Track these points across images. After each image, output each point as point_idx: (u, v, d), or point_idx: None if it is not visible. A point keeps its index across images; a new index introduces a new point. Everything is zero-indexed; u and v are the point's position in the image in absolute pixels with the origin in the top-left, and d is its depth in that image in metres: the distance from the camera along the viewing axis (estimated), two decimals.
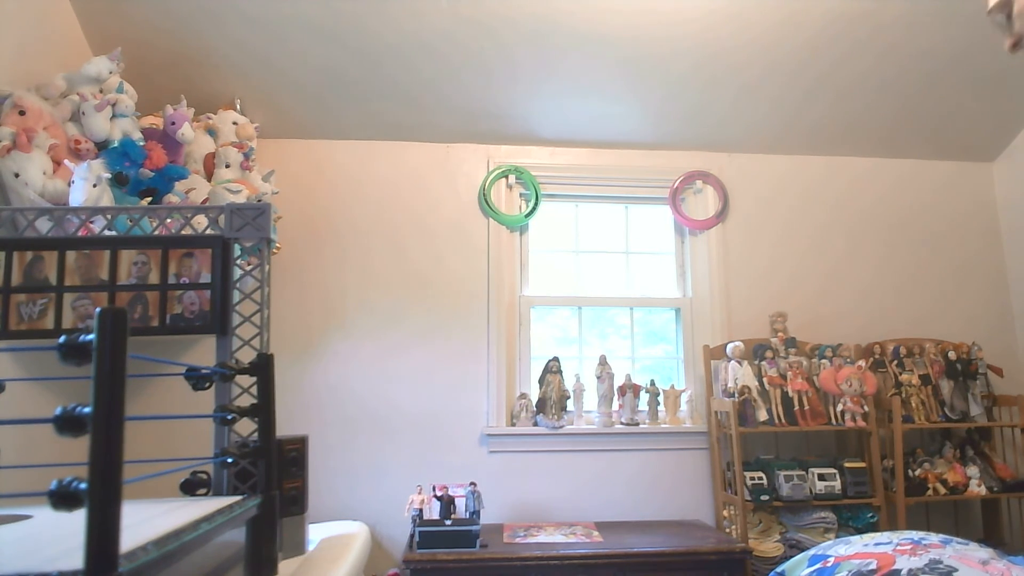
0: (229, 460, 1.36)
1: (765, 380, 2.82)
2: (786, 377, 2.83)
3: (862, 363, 2.83)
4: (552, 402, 2.85)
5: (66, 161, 1.96)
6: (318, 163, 2.99)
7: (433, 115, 2.92)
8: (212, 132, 2.55)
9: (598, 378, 2.91)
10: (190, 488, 1.40)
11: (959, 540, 1.82)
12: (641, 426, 2.91)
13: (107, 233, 1.62)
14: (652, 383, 2.97)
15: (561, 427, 2.84)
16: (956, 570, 1.60)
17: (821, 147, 3.23)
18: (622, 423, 2.91)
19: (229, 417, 1.35)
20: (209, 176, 2.49)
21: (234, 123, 2.60)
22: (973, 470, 2.80)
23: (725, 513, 2.77)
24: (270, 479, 1.38)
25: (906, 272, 3.23)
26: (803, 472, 2.69)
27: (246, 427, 1.40)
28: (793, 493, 2.63)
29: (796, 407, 2.78)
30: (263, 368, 1.38)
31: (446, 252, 2.99)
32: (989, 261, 3.30)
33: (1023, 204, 3.23)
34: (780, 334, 2.96)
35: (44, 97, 2.05)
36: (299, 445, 1.89)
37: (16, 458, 1.81)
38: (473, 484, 2.41)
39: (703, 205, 3.14)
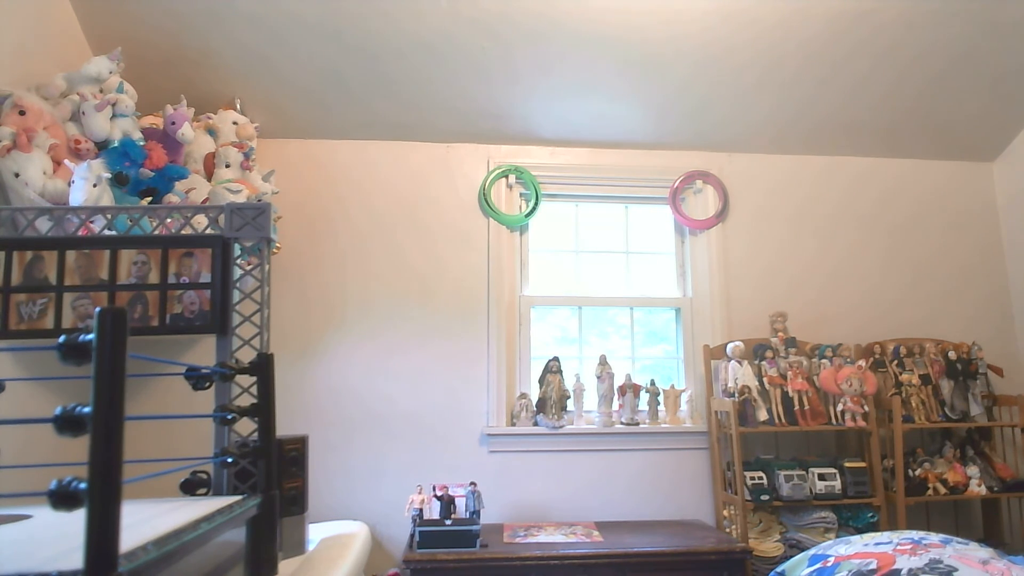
0: (229, 460, 1.36)
1: (765, 380, 2.82)
2: (786, 377, 2.83)
3: (862, 363, 2.83)
4: (552, 402, 2.85)
5: (66, 161, 1.96)
6: (318, 163, 2.99)
7: (433, 115, 2.92)
8: (212, 132, 2.55)
9: (598, 378, 2.91)
10: (190, 488, 1.40)
11: (959, 540, 1.82)
12: (641, 426, 2.91)
13: (107, 233, 1.62)
14: (652, 383, 2.97)
15: (561, 427, 2.84)
16: (956, 570, 1.60)
17: (821, 147, 3.23)
18: (622, 423, 2.91)
19: (229, 417, 1.35)
20: (209, 176, 2.49)
21: (234, 123, 2.60)
22: (973, 470, 2.80)
23: (725, 513, 2.77)
24: (270, 479, 1.38)
25: (906, 272, 3.23)
26: (803, 472, 2.69)
27: (246, 427, 1.40)
28: (793, 493, 2.63)
29: (796, 407, 2.78)
30: (263, 368, 1.38)
31: (446, 252, 2.98)
32: (989, 261, 3.30)
33: (1023, 204, 3.23)
34: (780, 334, 2.96)
35: (44, 97, 2.05)
36: (299, 445, 1.89)
37: (16, 458, 1.81)
38: (473, 484, 2.41)
39: (703, 205, 3.14)
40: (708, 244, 3.12)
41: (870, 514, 2.67)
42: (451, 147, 3.07)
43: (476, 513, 2.35)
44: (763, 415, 2.73)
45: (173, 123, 2.29)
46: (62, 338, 0.78)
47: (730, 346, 2.86)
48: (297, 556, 1.81)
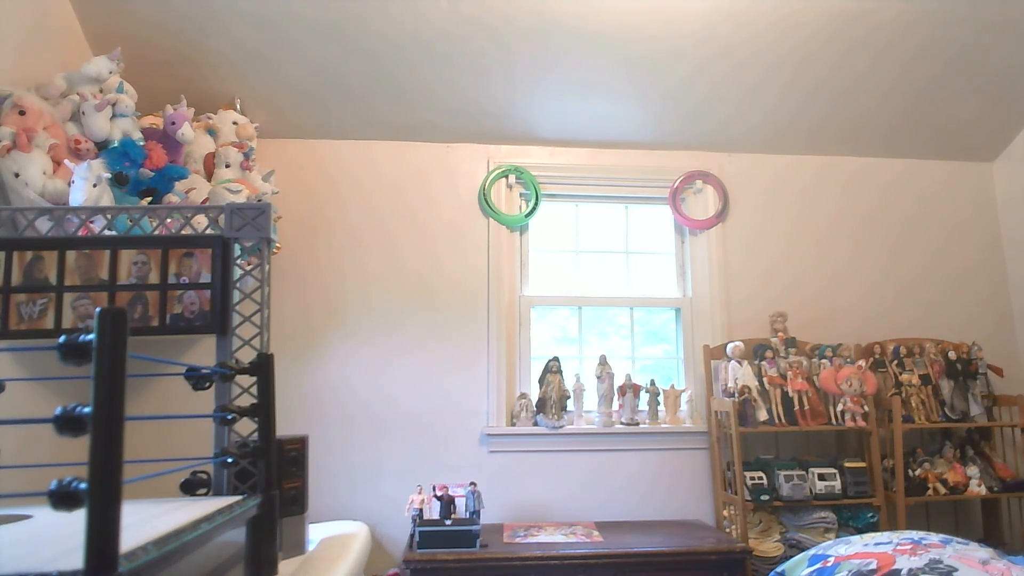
0: (229, 460, 1.36)
1: (765, 380, 2.81)
2: (786, 377, 2.83)
3: (862, 363, 2.83)
4: (552, 402, 2.85)
5: (66, 161, 1.96)
6: (318, 163, 2.99)
7: (433, 115, 2.92)
8: (212, 132, 2.55)
9: (598, 378, 2.91)
10: (190, 488, 1.40)
11: (959, 540, 1.82)
12: (641, 426, 2.91)
13: (107, 233, 1.62)
14: (652, 383, 2.97)
15: (561, 427, 2.84)
16: (956, 570, 1.60)
17: (821, 147, 3.23)
18: (622, 423, 2.91)
19: (229, 417, 1.35)
20: (209, 176, 2.49)
21: (234, 123, 2.60)
22: (973, 470, 2.80)
23: (725, 513, 2.77)
24: (270, 479, 1.38)
25: (906, 271, 3.23)
26: (803, 472, 2.69)
27: (246, 427, 1.40)
28: (793, 493, 2.63)
29: (796, 407, 2.77)
30: (263, 368, 1.38)
31: (446, 252, 2.98)
32: (989, 261, 3.30)
33: (1023, 204, 3.23)
34: (780, 334, 2.96)
35: (44, 97, 2.05)
36: (299, 445, 1.89)
37: (16, 458, 1.81)
38: (473, 484, 2.41)
39: (703, 205, 3.14)
40: (708, 244, 3.12)
41: (870, 514, 2.67)
42: (451, 147, 3.07)
43: (476, 513, 2.35)
44: (763, 415, 2.73)
45: (173, 123, 2.29)
46: (62, 338, 0.78)
47: (730, 346, 2.86)
48: (297, 556, 1.81)
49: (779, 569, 2.08)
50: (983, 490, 2.76)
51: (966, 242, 3.29)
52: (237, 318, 1.53)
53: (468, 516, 2.34)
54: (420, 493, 2.40)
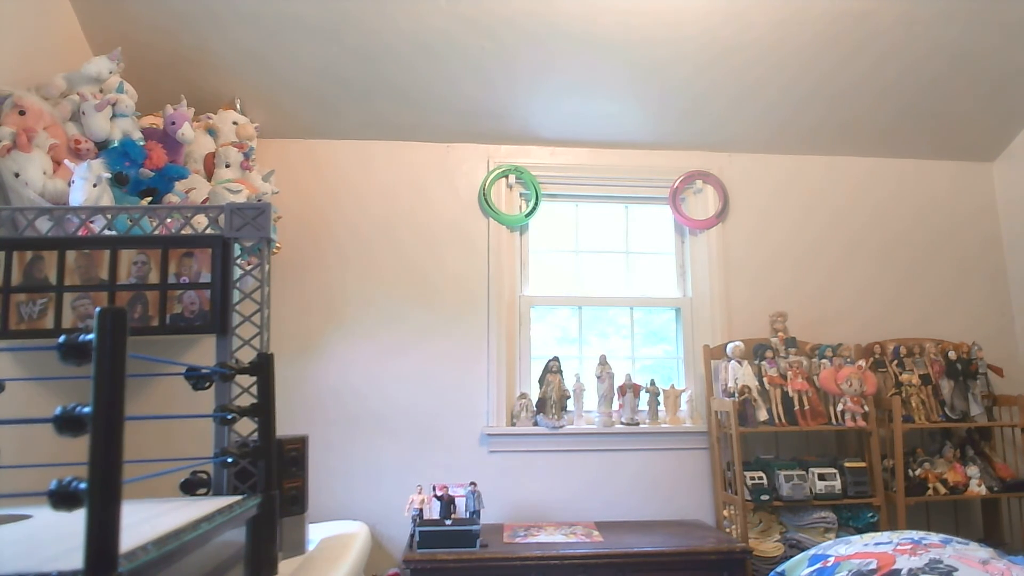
0: (229, 460, 1.36)
1: (765, 380, 2.82)
2: (786, 377, 2.83)
3: (862, 363, 2.83)
4: (552, 402, 2.85)
5: (66, 161, 1.96)
6: (318, 163, 2.99)
7: (433, 115, 2.92)
8: (212, 132, 2.55)
9: (598, 378, 2.91)
10: (190, 488, 1.40)
11: (959, 540, 1.82)
12: (641, 426, 2.91)
13: (107, 233, 1.62)
14: (652, 383, 2.97)
15: (561, 427, 2.84)
16: (956, 570, 1.60)
17: (821, 147, 3.23)
18: (622, 423, 2.91)
19: (229, 417, 1.35)
20: (209, 176, 2.49)
21: (234, 123, 2.60)
22: (973, 470, 2.80)
23: (725, 513, 2.77)
24: (270, 479, 1.38)
25: (906, 272, 3.23)
26: (803, 472, 2.69)
27: (246, 427, 1.40)
28: (793, 493, 2.63)
29: (796, 407, 2.77)
30: (263, 368, 1.38)
31: (446, 252, 2.98)
32: (989, 261, 3.30)
33: (1023, 204, 3.23)
34: (780, 334, 2.96)
35: (44, 97, 2.05)
36: (299, 445, 1.89)
37: (16, 458, 1.81)
38: (473, 484, 2.41)
39: (703, 205, 3.14)
40: (708, 244, 3.12)
41: (870, 514, 2.67)
42: (451, 147, 3.07)
43: (476, 513, 2.35)
44: (763, 415, 2.73)
45: (173, 123, 2.29)
46: (62, 338, 0.78)
47: (730, 346, 2.86)
48: (297, 556, 1.81)
49: (779, 569, 2.08)
50: (983, 490, 2.76)
51: (966, 242, 3.29)
52: (237, 318, 1.53)
53: (468, 516, 2.34)
54: (420, 493, 2.40)
